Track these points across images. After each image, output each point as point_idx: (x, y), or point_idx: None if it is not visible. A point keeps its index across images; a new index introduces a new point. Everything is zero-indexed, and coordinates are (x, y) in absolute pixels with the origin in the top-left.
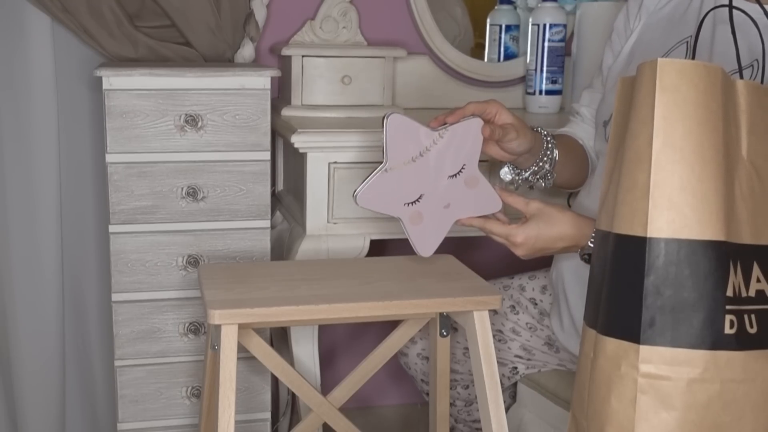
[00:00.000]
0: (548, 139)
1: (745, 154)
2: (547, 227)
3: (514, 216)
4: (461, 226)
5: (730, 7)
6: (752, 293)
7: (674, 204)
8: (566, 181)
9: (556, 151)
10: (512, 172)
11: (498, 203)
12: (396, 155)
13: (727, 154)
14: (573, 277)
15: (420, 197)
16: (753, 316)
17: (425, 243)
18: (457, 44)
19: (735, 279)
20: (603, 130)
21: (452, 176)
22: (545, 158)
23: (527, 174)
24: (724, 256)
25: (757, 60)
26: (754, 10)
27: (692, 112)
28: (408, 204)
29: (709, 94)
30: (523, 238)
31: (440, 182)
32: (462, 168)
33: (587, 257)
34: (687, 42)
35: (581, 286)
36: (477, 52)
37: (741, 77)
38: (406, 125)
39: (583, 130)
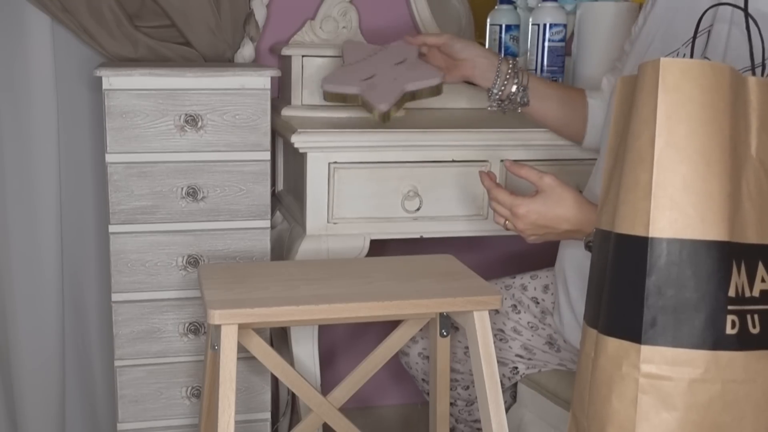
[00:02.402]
0: (512, 63)
1: (755, 152)
2: (553, 205)
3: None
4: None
5: (746, 11)
6: (756, 293)
7: (677, 204)
8: (551, 121)
9: (525, 77)
10: (488, 94)
11: (437, 76)
12: (350, 57)
13: (734, 153)
14: (576, 272)
15: (373, 75)
16: (756, 316)
17: (381, 101)
18: None
19: (738, 279)
20: None
21: (398, 63)
22: (509, 80)
23: (495, 94)
24: (727, 256)
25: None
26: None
27: (697, 111)
28: (363, 80)
29: (716, 93)
30: (525, 211)
31: (388, 66)
32: (404, 59)
33: (591, 246)
34: (709, 31)
35: (582, 281)
36: None
37: (753, 74)
38: (358, 44)
39: (598, 102)
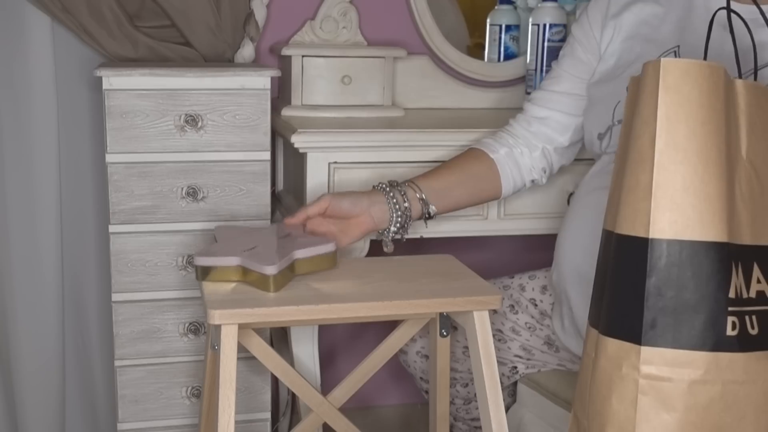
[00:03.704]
0: (389, 187)
1: (745, 154)
2: None
3: None
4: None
5: (729, 10)
6: (753, 294)
7: (677, 205)
8: (464, 204)
9: (414, 188)
10: (383, 236)
11: (330, 243)
12: (223, 237)
13: (728, 154)
14: (575, 277)
15: (254, 247)
16: (754, 318)
17: (267, 264)
18: (452, 41)
19: (737, 280)
20: (599, 143)
21: (282, 237)
22: (409, 201)
23: (395, 227)
24: (727, 257)
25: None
26: (747, 10)
27: (696, 112)
28: (244, 251)
29: (713, 94)
30: None
31: (271, 239)
32: (288, 234)
33: None
34: (675, 51)
35: (584, 286)
36: (477, 52)
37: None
38: (231, 227)
39: (518, 131)
